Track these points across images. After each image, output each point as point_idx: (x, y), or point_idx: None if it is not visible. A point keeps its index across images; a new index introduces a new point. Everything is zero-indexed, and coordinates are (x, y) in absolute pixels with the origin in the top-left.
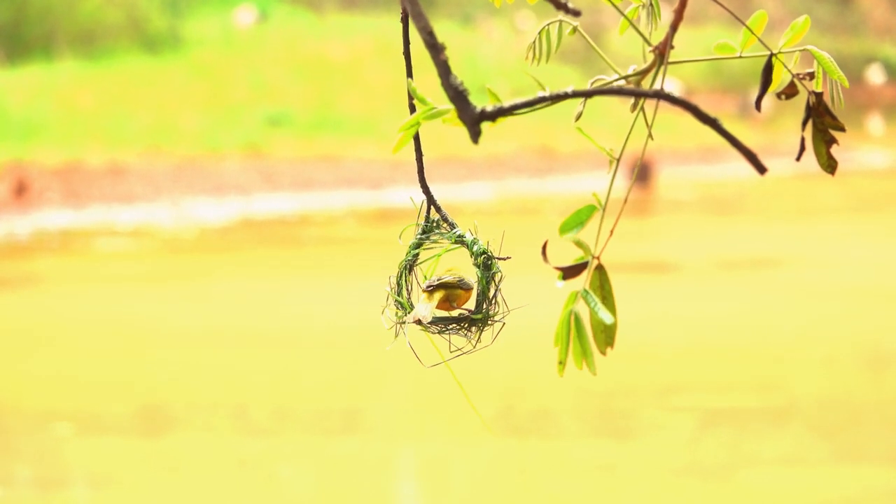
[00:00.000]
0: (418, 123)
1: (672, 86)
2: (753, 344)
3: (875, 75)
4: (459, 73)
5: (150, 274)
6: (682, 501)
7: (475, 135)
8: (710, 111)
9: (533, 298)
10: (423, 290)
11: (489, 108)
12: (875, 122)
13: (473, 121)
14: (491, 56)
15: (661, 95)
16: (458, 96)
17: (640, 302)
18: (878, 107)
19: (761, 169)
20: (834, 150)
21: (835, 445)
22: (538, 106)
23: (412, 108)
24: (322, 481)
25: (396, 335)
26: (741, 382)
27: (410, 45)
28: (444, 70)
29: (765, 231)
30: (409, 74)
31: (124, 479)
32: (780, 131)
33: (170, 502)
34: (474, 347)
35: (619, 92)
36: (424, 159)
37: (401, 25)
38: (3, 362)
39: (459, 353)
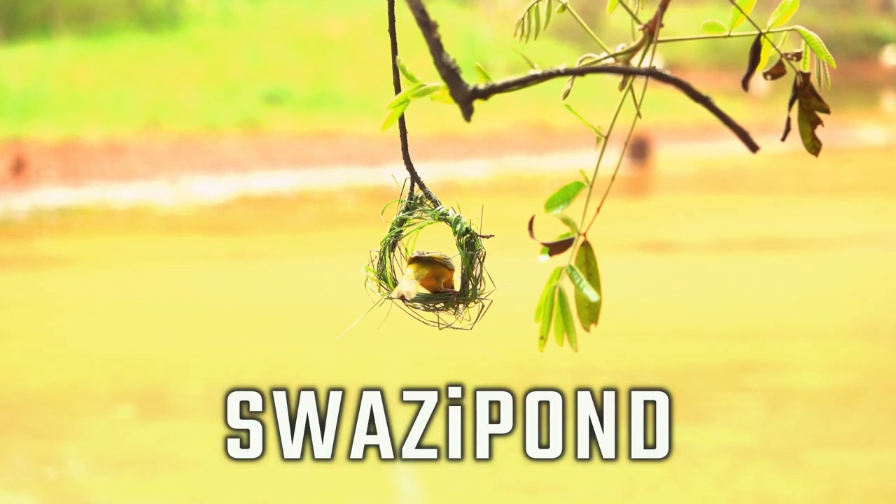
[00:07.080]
0: (407, 101)
1: (657, 62)
2: (820, 323)
3: (890, 57)
4: (457, 51)
5: (154, 253)
6: (752, 483)
7: (467, 112)
8: (708, 88)
9: (538, 276)
10: (409, 263)
11: (481, 85)
12: (890, 102)
13: (465, 98)
14: (488, 34)
15: (652, 73)
16: (450, 74)
17: (702, 281)
18: (893, 86)
19: (753, 147)
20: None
21: None
22: (530, 83)
23: (397, 87)
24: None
25: (385, 314)
26: (809, 362)
27: (402, 24)
28: (436, 48)
29: (791, 209)
30: (395, 52)
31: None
32: (777, 108)
33: (230, 486)
34: (470, 325)
35: (612, 70)
36: (421, 136)
37: (389, 2)
38: (46, 341)
39: (447, 326)
